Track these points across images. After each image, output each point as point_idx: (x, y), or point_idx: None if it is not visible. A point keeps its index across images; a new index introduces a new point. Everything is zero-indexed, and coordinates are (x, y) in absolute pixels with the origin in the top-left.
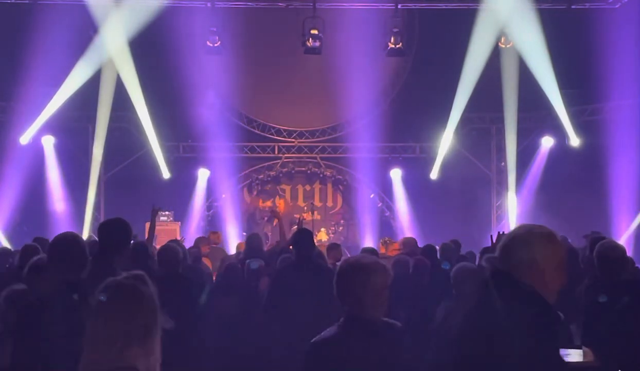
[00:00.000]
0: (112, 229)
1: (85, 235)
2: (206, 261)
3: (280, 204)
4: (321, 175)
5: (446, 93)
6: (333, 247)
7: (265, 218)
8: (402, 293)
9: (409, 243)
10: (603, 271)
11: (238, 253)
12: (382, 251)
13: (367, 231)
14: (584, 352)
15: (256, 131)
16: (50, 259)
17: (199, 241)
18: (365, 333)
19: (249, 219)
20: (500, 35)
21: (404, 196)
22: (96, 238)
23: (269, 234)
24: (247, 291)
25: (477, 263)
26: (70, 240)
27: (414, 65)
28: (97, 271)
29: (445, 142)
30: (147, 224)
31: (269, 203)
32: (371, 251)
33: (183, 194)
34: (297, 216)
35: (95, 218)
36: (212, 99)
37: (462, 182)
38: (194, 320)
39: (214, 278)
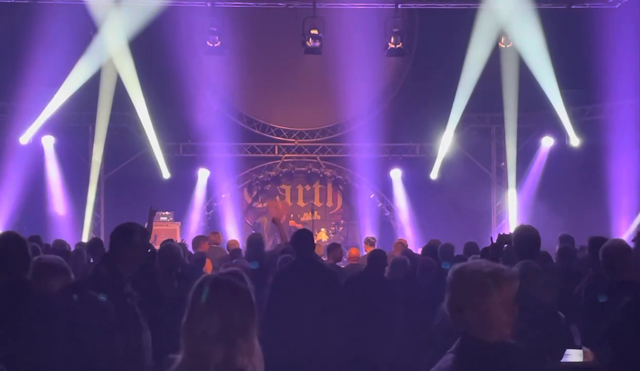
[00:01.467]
0: (115, 233)
1: (85, 235)
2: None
3: (278, 205)
4: (321, 175)
5: (446, 93)
6: (333, 247)
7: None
8: (401, 293)
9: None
10: (610, 269)
11: (237, 251)
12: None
13: (367, 231)
14: (584, 352)
15: (256, 131)
16: None
17: (197, 240)
18: (491, 361)
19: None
20: (500, 35)
21: (404, 196)
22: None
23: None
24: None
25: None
26: (8, 239)
27: (414, 65)
28: (101, 273)
29: (445, 142)
30: (146, 225)
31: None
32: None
33: (183, 194)
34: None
35: (95, 218)
36: (211, 101)
37: (462, 182)
38: None
39: None
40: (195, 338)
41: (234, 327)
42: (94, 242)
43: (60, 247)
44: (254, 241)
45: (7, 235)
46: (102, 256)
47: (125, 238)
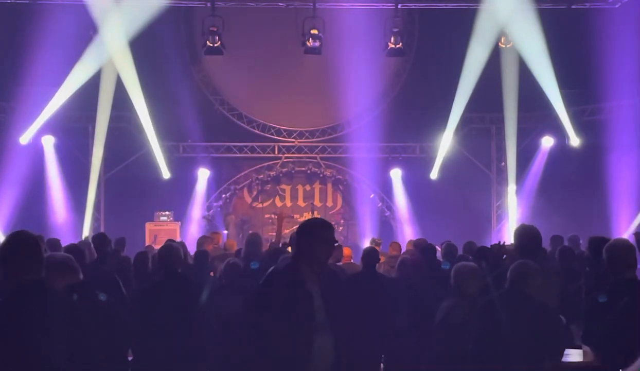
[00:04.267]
0: (299, 230)
1: (85, 235)
2: None
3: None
4: (321, 175)
5: (446, 93)
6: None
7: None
8: (405, 292)
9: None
10: (613, 268)
11: (238, 251)
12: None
13: (367, 231)
14: (584, 352)
15: (256, 131)
16: (4, 259)
17: (202, 240)
18: None
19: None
20: (500, 35)
21: (404, 196)
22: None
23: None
24: (248, 291)
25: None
26: (23, 239)
27: (414, 65)
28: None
29: (445, 142)
30: (147, 224)
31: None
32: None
33: (183, 194)
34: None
35: (95, 218)
36: (211, 101)
37: (462, 182)
38: (194, 320)
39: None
40: None
41: None
42: (100, 237)
43: (53, 246)
44: (253, 241)
45: (20, 235)
46: (293, 255)
47: (308, 234)
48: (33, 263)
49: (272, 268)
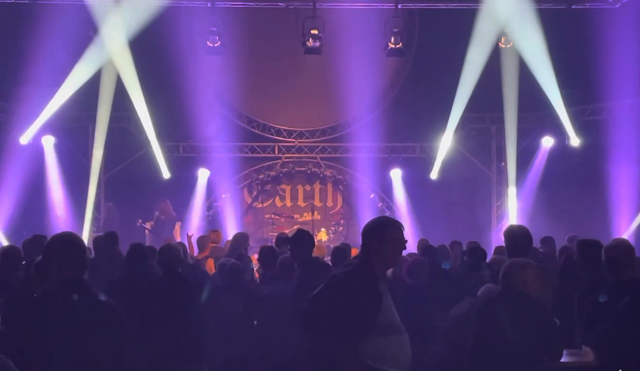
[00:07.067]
0: (367, 230)
1: (85, 235)
2: (209, 261)
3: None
4: (321, 175)
5: (446, 93)
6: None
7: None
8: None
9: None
10: (612, 269)
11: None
12: None
13: None
14: (584, 352)
15: (256, 131)
16: (46, 260)
17: (201, 240)
18: None
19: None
20: (500, 35)
21: (404, 196)
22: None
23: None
24: (249, 291)
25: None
26: (65, 240)
27: (414, 65)
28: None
29: (445, 142)
30: (147, 224)
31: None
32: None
33: (183, 194)
34: None
35: (95, 218)
36: (212, 101)
37: (462, 182)
38: (194, 320)
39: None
40: None
41: None
42: (111, 235)
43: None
44: (238, 240)
45: (68, 235)
46: (362, 255)
47: (377, 234)
48: (74, 263)
49: (343, 269)
